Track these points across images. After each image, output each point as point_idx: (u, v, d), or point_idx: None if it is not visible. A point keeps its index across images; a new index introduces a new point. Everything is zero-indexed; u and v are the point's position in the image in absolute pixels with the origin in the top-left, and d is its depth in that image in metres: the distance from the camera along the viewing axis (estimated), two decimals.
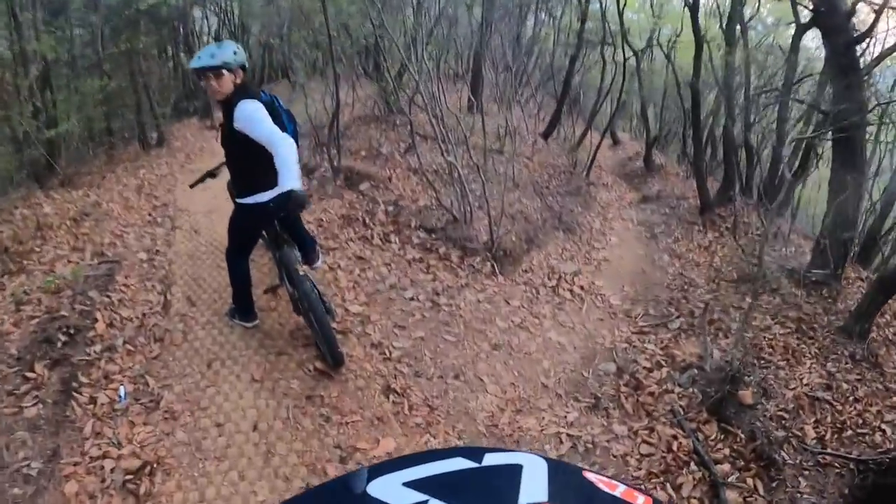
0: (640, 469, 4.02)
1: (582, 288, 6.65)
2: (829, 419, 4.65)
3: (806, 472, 4.17)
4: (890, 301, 5.98)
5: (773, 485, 4.01)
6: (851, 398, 4.95)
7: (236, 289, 4.36)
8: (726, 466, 4.08)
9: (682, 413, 4.51)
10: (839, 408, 4.80)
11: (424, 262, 6.04)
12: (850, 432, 4.59)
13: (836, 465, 4.27)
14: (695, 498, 3.83)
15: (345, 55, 11.04)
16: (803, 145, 9.97)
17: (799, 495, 3.94)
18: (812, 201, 14.15)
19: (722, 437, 4.33)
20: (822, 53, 8.84)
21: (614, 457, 4.13)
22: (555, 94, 14.84)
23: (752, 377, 4.74)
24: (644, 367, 5.12)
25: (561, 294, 6.38)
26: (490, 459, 1.04)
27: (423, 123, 8.51)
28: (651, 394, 4.73)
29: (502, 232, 6.60)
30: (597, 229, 8.96)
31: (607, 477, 1.02)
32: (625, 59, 12.64)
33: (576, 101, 15.97)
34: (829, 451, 4.34)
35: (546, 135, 13.00)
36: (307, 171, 7.93)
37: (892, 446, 4.45)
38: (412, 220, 6.68)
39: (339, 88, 7.43)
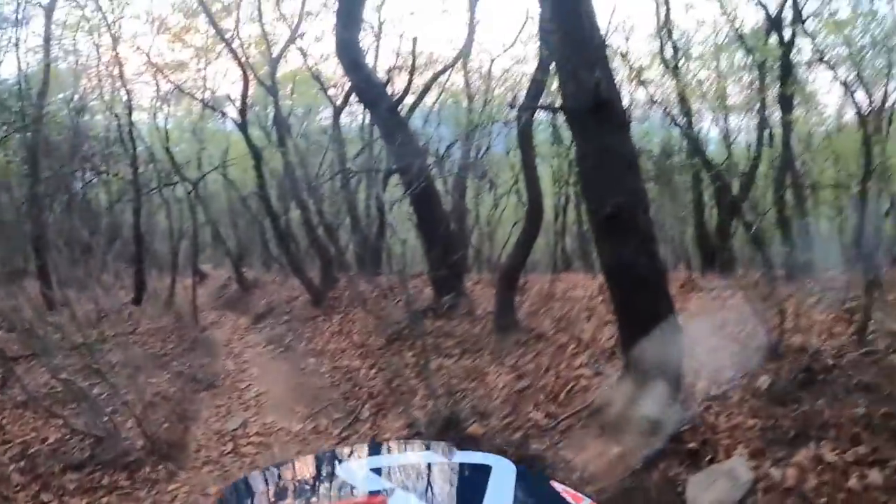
0: None
1: (259, 434, 6.13)
2: (541, 397, 5.17)
3: (560, 444, 4.55)
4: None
5: (548, 472, 4.23)
6: (542, 371, 5.59)
7: None
8: None
9: None
10: (541, 383, 5.37)
11: None
12: (562, 395, 5.16)
13: (574, 422, 4.76)
14: None
15: None
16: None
17: (570, 463, 4.31)
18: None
19: None
20: None
21: None
22: (128, 253, 13.83)
23: (463, 411, 4.96)
24: None
25: (246, 453, 5.79)
26: (460, 457, 1.08)
27: (5, 342, 7.06)
28: None
29: (154, 427, 5.78)
30: (234, 370, 8.44)
31: (573, 489, 1.05)
32: (187, 193, 12.50)
33: (148, 251, 15.16)
34: (560, 418, 4.82)
35: (137, 300, 11.98)
36: None
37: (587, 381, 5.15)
38: (54, 465, 5.38)
39: None
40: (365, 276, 10.24)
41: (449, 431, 4.65)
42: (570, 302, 7.37)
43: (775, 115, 8.77)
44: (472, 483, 1.00)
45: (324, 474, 1.01)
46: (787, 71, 7.58)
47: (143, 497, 4.99)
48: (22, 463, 5.50)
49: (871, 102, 10.11)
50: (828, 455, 4.23)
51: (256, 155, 10.45)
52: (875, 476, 4.11)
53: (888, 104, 10.36)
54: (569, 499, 1.04)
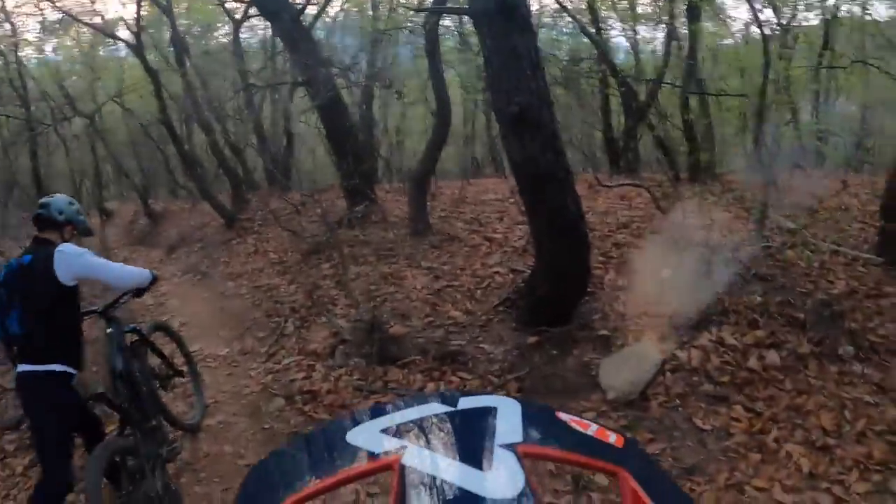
0: None
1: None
2: (458, 296, 5.38)
3: (479, 338, 4.77)
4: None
5: (470, 365, 4.50)
6: (457, 271, 5.79)
7: None
8: (430, 385, 4.41)
9: (364, 383, 4.59)
10: (457, 283, 5.58)
11: None
12: (478, 292, 5.38)
13: (491, 316, 4.97)
14: None
15: None
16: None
17: (491, 355, 4.55)
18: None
19: (406, 371, 4.59)
20: None
21: None
22: (28, 198, 12.83)
23: (384, 314, 5.06)
24: (302, 378, 4.96)
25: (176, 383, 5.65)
26: (465, 403, 1.09)
27: None
28: (329, 391, 4.66)
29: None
30: (153, 304, 7.95)
31: (578, 416, 1.09)
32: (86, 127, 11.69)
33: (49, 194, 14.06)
34: (478, 314, 5.02)
35: None
36: None
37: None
38: None
39: None
40: (276, 193, 10.00)
41: (373, 334, 4.73)
42: (481, 205, 7.55)
43: (685, 27, 8.92)
44: (480, 425, 1.02)
45: (335, 445, 1.03)
46: None
47: None
48: None
49: (777, 19, 10.66)
50: (728, 339, 4.54)
51: (155, 79, 9.83)
52: (773, 357, 4.45)
53: (793, 23, 10.94)
54: (576, 426, 1.07)
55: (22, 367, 2.95)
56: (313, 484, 0.94)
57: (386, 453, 0.95)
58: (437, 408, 1.07)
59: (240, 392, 5.13)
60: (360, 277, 6.09)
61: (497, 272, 5.62)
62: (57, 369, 2.96)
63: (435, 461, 0.91)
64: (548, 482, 3.30)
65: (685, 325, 4.66)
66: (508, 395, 4.18)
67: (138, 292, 3.56)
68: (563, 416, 1.11)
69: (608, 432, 1.08)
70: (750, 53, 9.54)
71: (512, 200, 7.18)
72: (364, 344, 4.83)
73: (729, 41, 11.68)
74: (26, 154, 12.98)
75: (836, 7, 11.04)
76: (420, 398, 1.14)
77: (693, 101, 8.75)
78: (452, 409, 1.07)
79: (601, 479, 3.29)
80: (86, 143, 13.79)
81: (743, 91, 7.65)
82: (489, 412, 1.04)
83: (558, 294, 4.60)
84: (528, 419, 1.04)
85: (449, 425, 1.03)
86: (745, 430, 3.67)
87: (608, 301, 4.85)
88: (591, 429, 1.08)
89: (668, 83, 9.26)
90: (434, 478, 0.88)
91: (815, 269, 5.37)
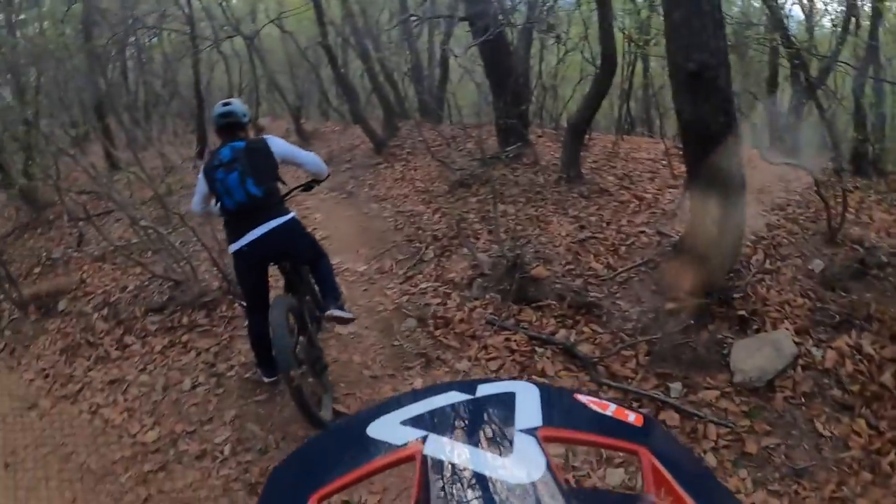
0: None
1: None
2: (601, 249, 5.49)
3: (617, 294, 4.88)
4: None
5: (604, 319, 4.62)
6: (603, 224, 5.89)
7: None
8: (562, 332, 4.58)
9: (496, 318, 4.81)
10: (602, 235, 5.68)
11: (176, 343, 5.29)
12: (622, 248, 5.50)
13: (632, 275, 5.09)
14: (561, 371, 4.25)
15: None
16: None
17: (626, 313, 4.66)
18: None
19: (540, 313, 4.78)
20: None
21: None
22: (188, 110, 13.61)
23: (527, 255, 5.25)
24: (437, 303, 5.22)
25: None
26: (483, 390, 1.11)
27: (81, 203, 7.66)
28: (461, 320, 4.90)
29: (229, 268, 5.93)
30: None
31: (597, 398, 1.13)
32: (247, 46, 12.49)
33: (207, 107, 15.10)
34: (619, 270, 5.15)
35: (200, 154, 11.75)
36: None
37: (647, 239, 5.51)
38: (135, 309, 5.86)
39: None
40: (427, 124, 10.27)
41: (513, 272, 4.92)
42: (633, 162, 7.54)
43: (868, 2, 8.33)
44: (500, 411, 1.03)
45: (355, 439, 1.04)
46: None
47: (220, 332, 5.31)
48: (105, 310, 6.04)
49: None
50: (867, 346, 4.32)
51: (316, 4, 10.17)
52: None
53: None
54: (595, 407, 1.09)
55: (264, 226, 3.70)
56: (336, 480, 0.96)
57: (407, 444, 0.96)
58: (455, 396, 1.08)
59: (374, 308, 5.37)
60: (507, 216, 6.26)
61: (643, 231, 5.68)
62: (293, 216, 3.85)
63: (456, 449, 0.93)
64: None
65: (826, 323, 4.53)
66: (636, 357, 4.28)
67: (308, 186, 4.23)
68: (581, 397, 1.12)
69: (627, 412, 1.09)
70: None
71: (665, 162, 7.15)
72: (503, 280, 5.01)
73: None
74: (186, 68, 13.60)
75: None
76: (438, 388, 1.11)
77: (867, 87, 8.20)
78: (471, 396, 1.08)
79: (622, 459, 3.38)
80: (244, 62, 14.60)
81: None
82: (508, 398, 1.06)
83: (704, 264, 4.52)
84: (547, 403, 1.06)
85: (468, 413, 1.05)
86: (864, 446, 3.56)
87: (752, 282, 4.79)
88: (610, 409, 1.09)
89: (843, 62, 8.64)
90: (455, 465, 0.90)
91: None
